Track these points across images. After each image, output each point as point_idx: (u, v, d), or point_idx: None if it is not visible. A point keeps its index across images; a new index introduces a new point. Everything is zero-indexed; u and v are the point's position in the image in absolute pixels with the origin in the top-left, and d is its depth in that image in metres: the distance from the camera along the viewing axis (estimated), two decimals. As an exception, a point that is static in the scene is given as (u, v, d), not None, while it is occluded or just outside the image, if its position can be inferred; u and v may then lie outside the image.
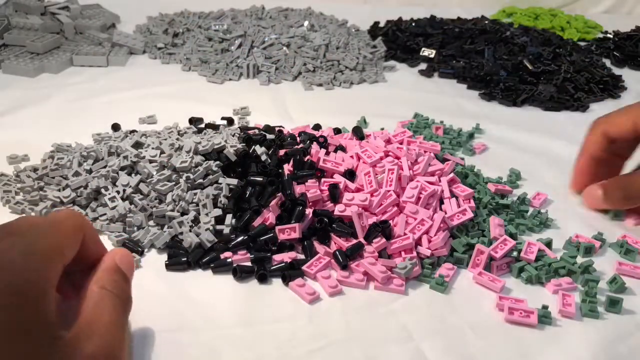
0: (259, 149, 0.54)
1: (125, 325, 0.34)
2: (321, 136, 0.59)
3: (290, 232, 0.48)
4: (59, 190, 0.52)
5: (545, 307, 0.43)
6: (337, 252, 0.46)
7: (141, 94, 0.78)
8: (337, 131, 0.65)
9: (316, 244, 0.49)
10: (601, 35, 1.12)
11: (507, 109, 0.79)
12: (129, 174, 0.52)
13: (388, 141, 0.59)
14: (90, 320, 0.31)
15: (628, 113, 0.54)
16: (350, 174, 0.53)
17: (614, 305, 0.44)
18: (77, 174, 0.52)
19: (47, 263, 0.29)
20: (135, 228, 0.49)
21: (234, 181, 0.52)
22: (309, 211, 0.49)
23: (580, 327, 0.43)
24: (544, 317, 0.43)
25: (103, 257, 0.35)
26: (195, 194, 0.50)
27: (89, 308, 0.32)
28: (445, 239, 0.48)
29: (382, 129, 0.67)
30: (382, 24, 1.08)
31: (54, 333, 0.28)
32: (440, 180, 0.54)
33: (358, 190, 0.52)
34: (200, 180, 0.52)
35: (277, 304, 0.43)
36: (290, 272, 0.45)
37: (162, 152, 0.54)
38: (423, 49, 0.95)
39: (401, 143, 0.59)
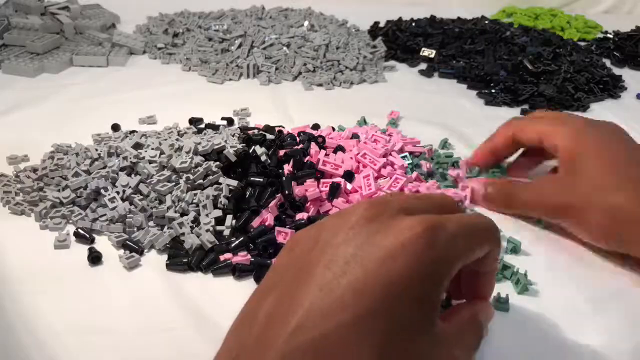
0: (259, 150, 0.54)
1: None
2: (319, 136, 0.59)
3: (289, 235, 0.48)
4: (59, 190, 0.52)
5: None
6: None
7: (141, 94, 0.78)
8: (333, 129, 0.65)
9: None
10: (601, 35, 1.12)
11: (506, 109, 0.79)
12: (129, 175, 0.52)
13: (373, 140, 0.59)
14: (458, 334, 0.33)
15: (536, 125, 0.54)
16: (348, 176, 0.52)
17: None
18: (76, 174, 0.52)
19: (462, 253, 0.32)
20: (135, 229, 0.49)
21: (234, 182, 0.52)
22: (305, 215, 0.49)
23: (580, 327, 0.43)
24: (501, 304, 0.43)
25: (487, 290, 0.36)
26: (195, 194, 0.50)
27: (459, 324, 0.33)
28: None
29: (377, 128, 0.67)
30: (382, 24, 1.08)
31: (437, 313, 0.30)
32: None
33: (355, 191, 0.52)
34: (200, 181, 0.51)
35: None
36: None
37: (162, 153, 0.54)
38: (423, 49, 0.95)
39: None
